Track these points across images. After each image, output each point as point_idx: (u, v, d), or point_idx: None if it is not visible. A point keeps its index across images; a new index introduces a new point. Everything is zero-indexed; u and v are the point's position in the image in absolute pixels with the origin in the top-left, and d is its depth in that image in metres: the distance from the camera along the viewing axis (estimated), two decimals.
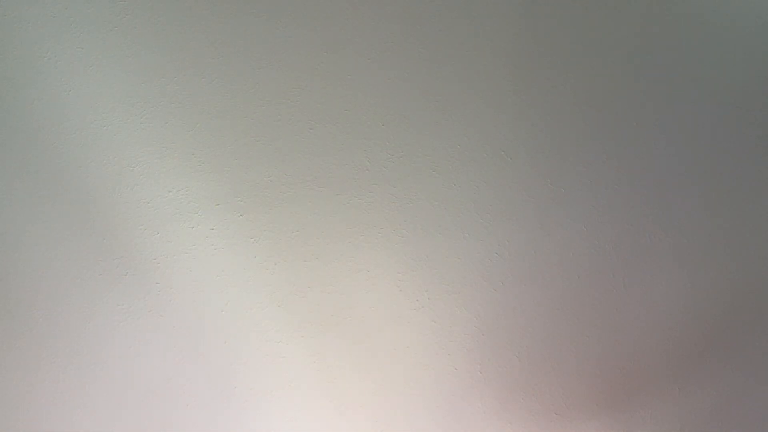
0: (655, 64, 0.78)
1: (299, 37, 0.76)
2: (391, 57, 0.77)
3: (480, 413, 0.90)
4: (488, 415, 0.90)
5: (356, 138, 0.80)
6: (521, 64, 0.78)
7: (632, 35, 0.77)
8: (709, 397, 0.88)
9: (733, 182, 0.82)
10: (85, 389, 0.85)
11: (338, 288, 0.86)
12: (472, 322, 0.87)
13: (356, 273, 0.85)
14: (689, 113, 0.79)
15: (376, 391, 0.88)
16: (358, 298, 0.86)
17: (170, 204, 0.81)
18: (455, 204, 0.83)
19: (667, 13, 0.76)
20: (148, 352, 0.85)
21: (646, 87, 0.79)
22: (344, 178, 0.82)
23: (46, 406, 0.85)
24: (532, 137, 0.80)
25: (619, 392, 0.88)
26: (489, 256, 0.84)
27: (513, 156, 0.81)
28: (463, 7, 0.76)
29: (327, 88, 0.78)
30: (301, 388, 0.88)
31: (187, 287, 0.84)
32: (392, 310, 0.87)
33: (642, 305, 0.86)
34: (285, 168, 0.81)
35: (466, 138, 0.80)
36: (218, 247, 0.83)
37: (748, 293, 0.85)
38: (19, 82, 0.75)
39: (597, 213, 0.83)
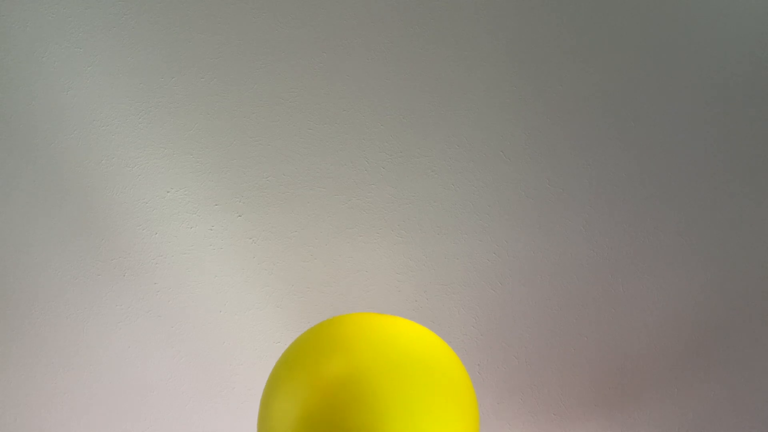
0: (656, 63, 0.78)
1: (298, 37, 0.77)
2: (390, 57, 0.78)
3: (479, 413, 0.90)
4: (487, 415, 0.90)
5: (355, 138, 0.80)
6: (521, 64, 0.78)
7: (633, 35, 0.77)
8: (708, 397, 0.88)
9: (734, 182, 0.82)
10: (83, 389, 0.85)
11: (337, 288, 0.86)
12: (471, 323, 0.87)
13: (355, 273, 0.85)
14: (690, 113, 0.80)
15: None
16: (357, 298, 0.86)
17: (169, 204, 0.81)
18: (454, 204, 0.83)
19: (668, 12, 0.76)
20: (147, 353, 0.85)
21: (647, 87, 0.79)
22: (343, 178, 0.82)
23: (45, 406, 0.85)
24: (532, 137, 0.80)
25: (618, 392, 0.88)
26: (487, 256, 0.84)
27: (512, 156, 0.81)
28: (462, 7, 0.76)
29: (326, 88, 0.78)
30: None
31: (186, 287, 0.84)
32: (391, 310, 0.87)
33: (641, 305, 0.86)
34: (283, 168, 0.81)
35: (464, 138, 0.81)
36: (217, 247, 0.83)
37: (748, 293, 0.85)
38: (17, 82, 0.75)
39: (597, 213, 0.83)
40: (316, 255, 0.84)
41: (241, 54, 0.76)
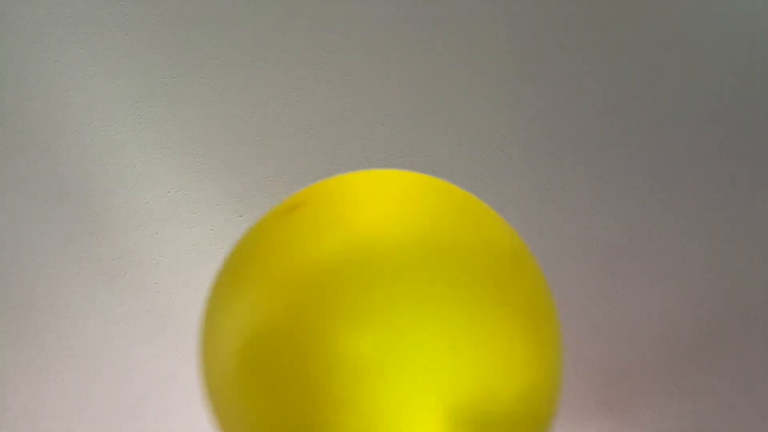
0: (654, 64, 0.78)
1: (299, 38, 0.77)
2: (390, 57, 0.78)
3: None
4: None
5: (356, 138, 0.80)
6: (520, 64, 0.78)
7: (632, 36, 0.77)
8: (708, 398, 0.88)
9: (733, 183, 0.82)
10: (83, 390, 0.85)
11: None
12: None
13: None
14: (689, 113, 0.80)
15: None
16: None
17: (169, 204, 0.81)
18: None
19: (666, 13, 0.76)
20: (147, 353, 0.85)
21: (646, 87, 0.79)
22: None
23: (44, 406, 0.85)
24: (531, 137, 0.80)
25: (618, 392, 0.88)
26: None
27: (512, 156, 0.81)
28: (461, 8, 0.76)
29: (327, 88, 0.78)
30: None
31: (186, 288, 0.84)
32: None
33: (641, 305, 0.86)
34: (284, 168, 0.81)
35: (465, 138, 0.81)
36: (217, 247, 0.83)
37: (747, 294, 0.85)
38: (17, 82, 0.75)
39: (596, 213, 0.83)
40: None
41: (242, 54, 0.76)
